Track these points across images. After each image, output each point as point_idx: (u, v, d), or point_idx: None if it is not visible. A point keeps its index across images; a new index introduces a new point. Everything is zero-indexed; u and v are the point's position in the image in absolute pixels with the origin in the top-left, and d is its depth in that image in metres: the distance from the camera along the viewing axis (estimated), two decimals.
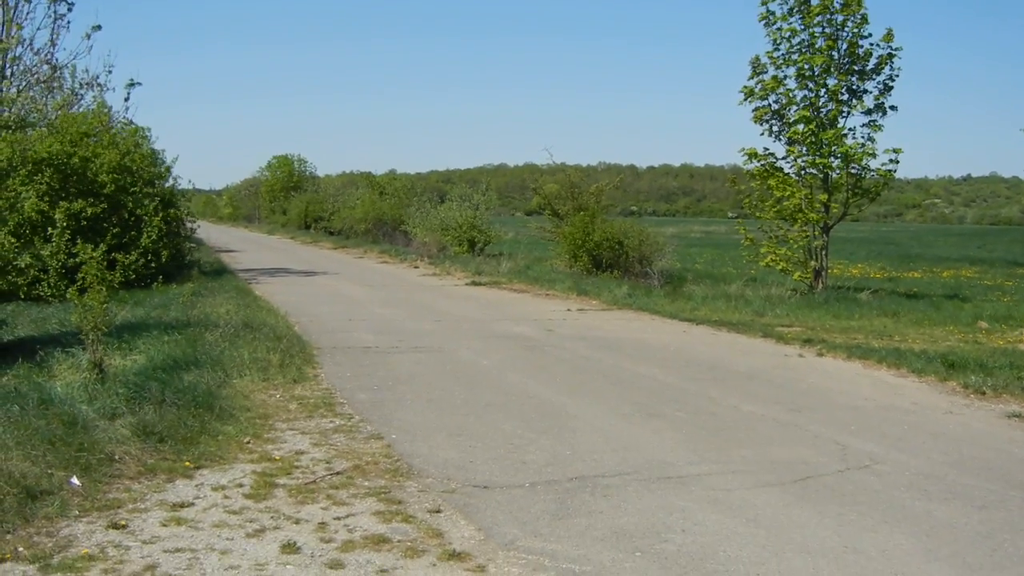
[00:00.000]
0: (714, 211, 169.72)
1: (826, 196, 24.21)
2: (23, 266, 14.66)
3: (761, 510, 7.69)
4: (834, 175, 24.29)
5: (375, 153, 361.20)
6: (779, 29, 24.23)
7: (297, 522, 7.18)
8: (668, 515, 7.51)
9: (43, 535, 6.74)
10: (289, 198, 79.18)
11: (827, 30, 23.69)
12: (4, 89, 24.81)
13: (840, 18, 23.59)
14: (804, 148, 24.04)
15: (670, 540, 6.94)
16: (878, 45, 23.74)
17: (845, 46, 23.67)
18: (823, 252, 24.79)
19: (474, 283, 30.10)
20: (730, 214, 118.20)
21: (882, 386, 13.35)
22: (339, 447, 9.49)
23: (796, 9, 24.03)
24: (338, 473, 8.54)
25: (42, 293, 21.08)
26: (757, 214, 25.48)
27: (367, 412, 11.05)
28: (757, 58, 24.78)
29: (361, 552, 6.58)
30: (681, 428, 10.56)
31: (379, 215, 53.71)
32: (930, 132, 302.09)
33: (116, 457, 8.48)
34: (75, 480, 7.77)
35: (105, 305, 11.48)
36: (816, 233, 24.57)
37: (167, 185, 29.20)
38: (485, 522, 7.28)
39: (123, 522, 7.06)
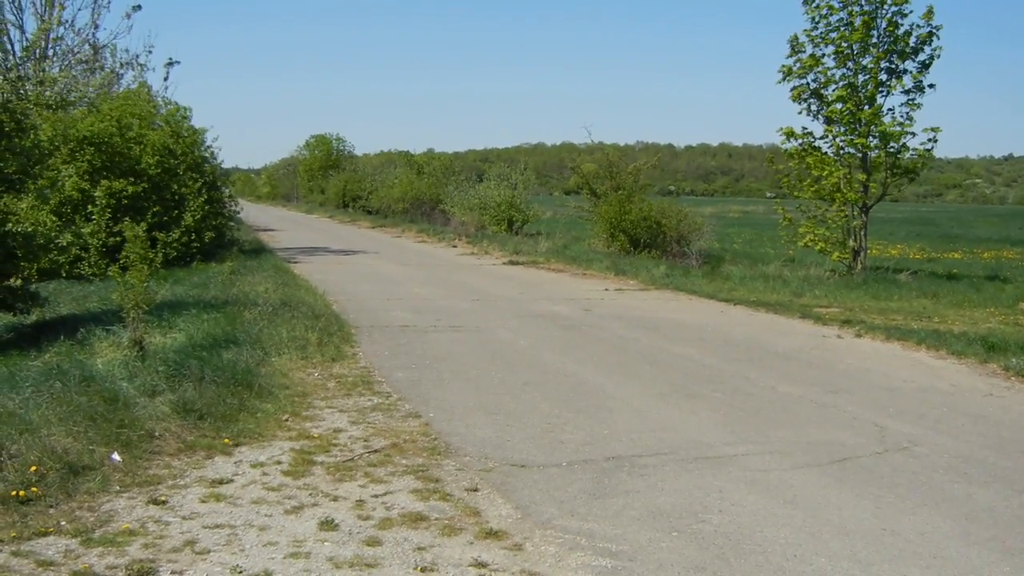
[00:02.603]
0: (752, 191, 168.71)
1: (865, 176, 24.04)
2: (64, 244, 14.75)
3: (799, 491, 7.67)
4: (872, 154, 24.09)
5: (413, 132, 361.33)
6: (817, 7, 24.04)
7: (335, 499, 7.23)
8: (705, 495, 7.50)
9: (85, 510, 6.81)
10: (327, 177, 79.12)
11: (866, 8, 23.45)
12: (46, 69, 25.02)
13: None
14: (842, 127, 23.87)
15: (707, 520, 6.94)
16: (918, 24, 23.47)
17: (884, 24, 23.42)
18: (862, 232, 24.63)
19: (512, 262, 30.10)
20: (768, 194, 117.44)
21: (921, 368, 13.27)
22: (377, 425, 9.53)
23: None
24: (376, 451, 8.58)
25: (83, 271, 21.24)
26: (795, 194, 25.38)
27: (405, 390, 11.09)
28: (795, 37, 24.62)
29: (399, 530, 6.61)
30: (718, 408, 10.54)
31: (417, 194, 53.73)
32: (971, 111, 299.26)
33: (156, 434, 8.56)
34: (116, 456, 7.85)
35: (146, 284, 11.57)
36: (855, 213, 24.43)
37: (210, 163, 29.33)
38: (522, 501, 7.30)
39: (163, 498, 7.13)
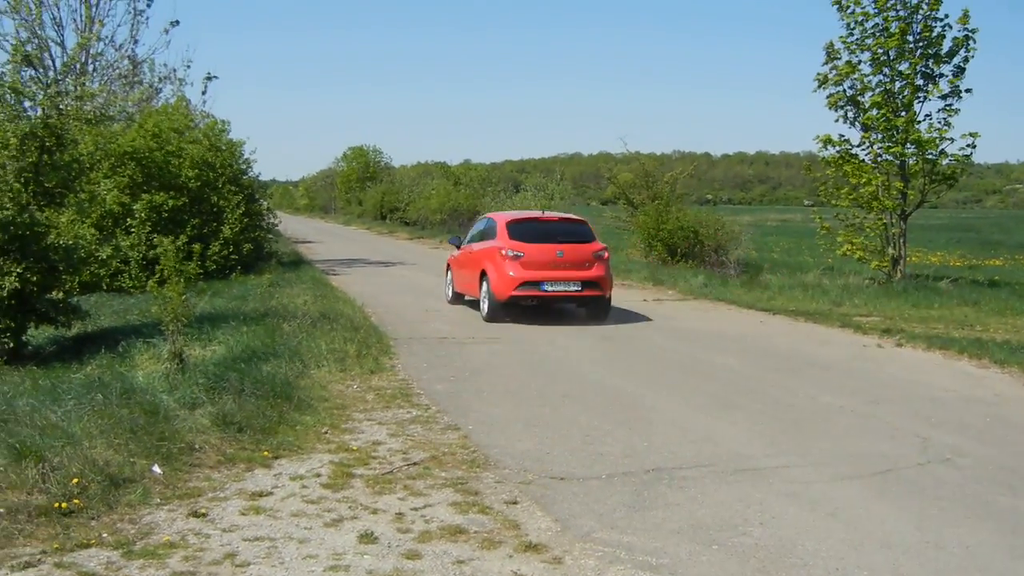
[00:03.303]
0: (790, 199, 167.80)
1: (902, 183, 23.85)
2: (104, 257, 14.88)
3: (840, 503, 7.61)
4: (910, 161, 23.90)
5: (450, 143, 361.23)
6: (852, 13, 23.87)
7: (374, 512, 7.23)
8: (746, 508, 7.46)
9: (126, 522, 6.86)
10: (365, 189, 79.35)
11: (901, 13, 23.26)
12: (86, 84, 25.24)
13: (914, 1, 23.17)
14: (879, 134, 23.71)
15: (748, 533, 6.89)
16: (950, 27, 23.24)
17: (919, 29, 23.24)
18: (901, 240, 24.43)
19: None
20: (806, 202, 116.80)
21: (963, 377, 13.16)
22: (416, 438, 9.53)
23: None
24: (415, 463, 8.58)
25: (123, 284, 21.41)
26: (833, 202, 25.23)
27: (444, 403, 11.10)
28: (831, 44, 24.46)
29: (438, 543, 6.60)
30: (758, 420, 10.48)
31: (454, 205, 53.81)
32: (1012, 116, 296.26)
33: (196, 446, 8.61)
34: (157, 468, 7.90)
35: (183, 296, 11.64)
36: (893, 220, 24.24)
37: (248, 176, 29.49)
38: (562, 514, 7.27)
39: (203, 510, 7.16)
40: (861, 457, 9.02)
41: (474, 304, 20.08)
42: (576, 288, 18.36)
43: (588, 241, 19.21)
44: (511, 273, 18.22)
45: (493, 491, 7.83)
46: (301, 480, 8.03)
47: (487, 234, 20.10)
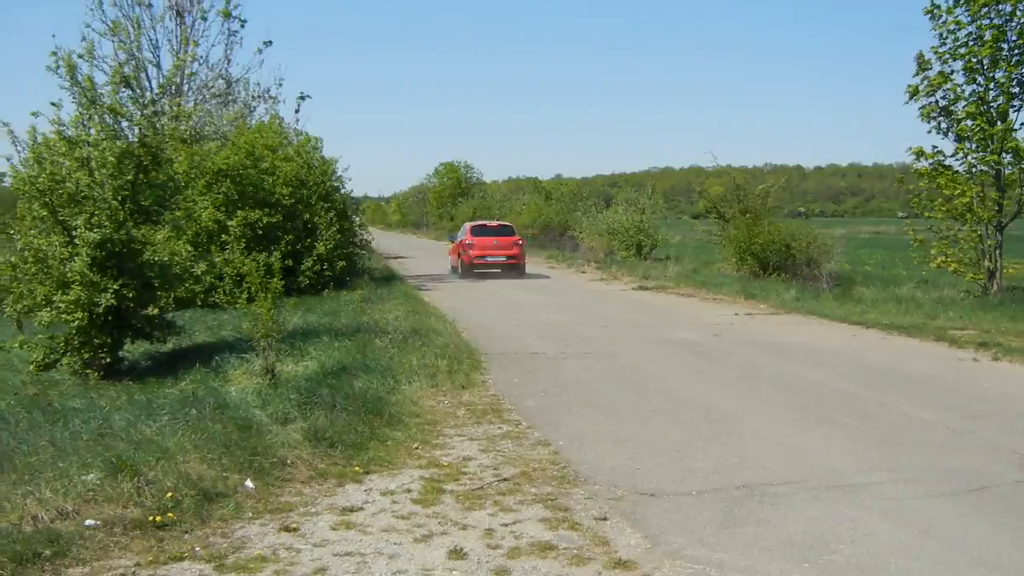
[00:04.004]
0: (884, 211, 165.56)
1: (998, 193, 23.35)
2: (199, 274, 15.10)
3: (934, 521, 7.44)
4: (1006, 171, 23.40)
5: (541, 158, 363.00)
6: (945, 23, 23.41)
7: (464, 528, 7.22)
8: (837, 525, 7.32)
9: (218, 536, 6.93)
10: (456, 204, 79.85)
11: (995, 20, 22.78)
12: (181, 104, 25.67)
13: (1008, 8, 22.65)
14: (973, 144, 23.23)
15: (839, 551, 6.76)
16: None
17: (1015, 37, 22.72)
18: (997, 251, 23.87)
19: (641, 287, 30.02)
20: (900, 213, 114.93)
21: None
22: (507, 453, 9.52)
23: (961, 1, 23.19)
24: (505, 479, 8.56)
25: (218, 300, 21.70)
26: (926, 214, 24.76)
27: (534, 418, 11.07)
28: (921, 54, 24.00)
29: (527, 559, 6.57)
30: (851, 435, 10.30)
31: (546, 220, 53.98)
32: None
33: (288, 461, 8.67)
34: (249, 483, 7.97)
35: (272, 312, 11.75)
36: (989, 232, 23.73)
37: (341, 192, 29.77)
38: (651, 530, 7.20)
39: (294, 525, 7.20)
40: (956, 473, 8.82)
41: (563, 319, 20.64)
42: (503, 259, 35.17)
43: (511, 235, 36.32)
44: (472, 253, 35.09)
45: (583, 507, 7.78)
46: (392, 495, 8.05)
47: (462, 234, 37.10)
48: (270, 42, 34.69)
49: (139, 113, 14.09)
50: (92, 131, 13.59)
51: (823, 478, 8.64)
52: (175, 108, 18.62)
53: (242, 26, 33.87)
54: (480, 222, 38.47)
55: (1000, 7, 22.56)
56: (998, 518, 7.54)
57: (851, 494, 8.15)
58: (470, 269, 34.85)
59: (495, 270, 35.25)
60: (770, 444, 9.90)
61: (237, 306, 12.63)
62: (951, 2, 23.33)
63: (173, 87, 29.99)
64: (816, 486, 8.38)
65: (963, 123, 23.24)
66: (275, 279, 12.18)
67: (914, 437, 10.24)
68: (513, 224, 40.58)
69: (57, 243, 13.21)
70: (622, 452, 9.56)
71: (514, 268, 35.18)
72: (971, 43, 22.98)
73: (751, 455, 9.45)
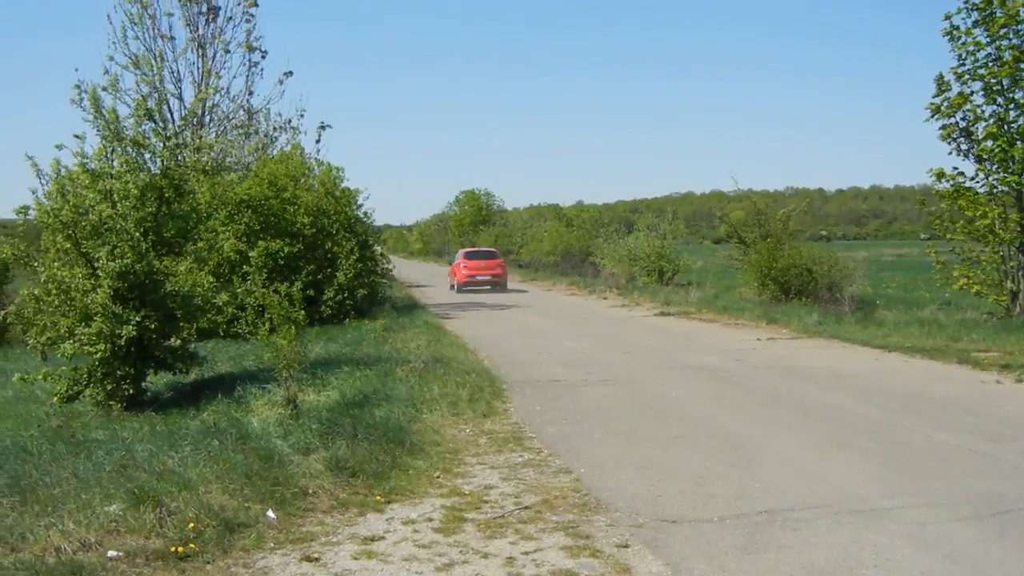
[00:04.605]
0: (906, 233, 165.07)
1: (1020, 215, 23.24)
2: (221, 304, 15.14)
3: (958, 545, 7.38)
4: None
5: (562, 185, 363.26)
6: (964, 44, 23.39)
7: (485, 556, 7.21)
8: (860, 550, 7.28)
9: (240, 566, 6.93)
10: (478, 232, 80.00)
11: (1014, 41, 22.73)
12: (203, 135, 25.83)
13: None
14: (994, 165, 23.15)
15: None
16: None
17: None
18: (1019, 272, 23.75)
19: (663, 313, 30.01)
20: (922, 235, 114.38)
21: None
22: (528, 481, 9.51)
23: (980, 21, 23.18)
24: (527, 507, 8.55)
25: (240, 330, 21.76)
26: (948, 236, 24.68)
27: (556, 446, 11.06)
28: (941, 75, 23.99)
29: None
30: (873, 459, 10.25)
31: (567, 247, 54.04)
32: None
33: (310, 491, 8.68)
34: (271, 513, 7.98)
35: (293, 343, 11.78)
36: (1011, 253, 23.62)
37: (363, 222, 29.83)
38: (673, 557, 7.18)
39: (316, 555, 7.21)
40: (979, 497, 8.76)
41: (585, 345, 20.58)
42: (490, 278, 43.27)
43: (496, 259, 45.05)
44: (464, 272, 43.51)
45: (604, 534, 7.76)
46: (413, 524, 8.05)
47: (457, 258, 46.03)
48: (291, 73, 34.67)
49: (161, 145, 14.16)
50: (115, 163, 13.68)
51: (845, 503, 8.60)
52: (197, 140, 18.74)
53: (263, 57, 34.04)
54: (471, 248, 50.54)
55: (1019, 28, 22.53)
56: (1022, 542, 7.49)
57: (874, 519, 8.10)
58: (463, 285, 43.56)
59: (484, 287, 43.74)
60: (792, 469, 9.87)
61: (258, 336, 12.69)
62: (970, 23, 23.34)
63: (195, 119, 30.19)
64: (838, 511, 8.34)
65: (983, 144, 23.19)
66: (297, 309, 12.23)
67: (937, 461, 10.18)
68: (537, 250, 52.73)
69: (80, 275, 13.27)
70: (643, 479, 9.54)
71: (498, 284, 43.84)
72: (990, 64, 22.96)
73: (773, 480, 9.42)
